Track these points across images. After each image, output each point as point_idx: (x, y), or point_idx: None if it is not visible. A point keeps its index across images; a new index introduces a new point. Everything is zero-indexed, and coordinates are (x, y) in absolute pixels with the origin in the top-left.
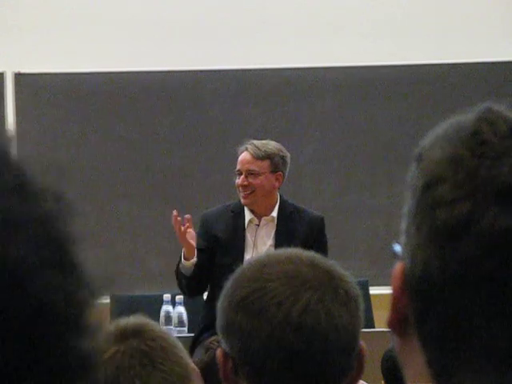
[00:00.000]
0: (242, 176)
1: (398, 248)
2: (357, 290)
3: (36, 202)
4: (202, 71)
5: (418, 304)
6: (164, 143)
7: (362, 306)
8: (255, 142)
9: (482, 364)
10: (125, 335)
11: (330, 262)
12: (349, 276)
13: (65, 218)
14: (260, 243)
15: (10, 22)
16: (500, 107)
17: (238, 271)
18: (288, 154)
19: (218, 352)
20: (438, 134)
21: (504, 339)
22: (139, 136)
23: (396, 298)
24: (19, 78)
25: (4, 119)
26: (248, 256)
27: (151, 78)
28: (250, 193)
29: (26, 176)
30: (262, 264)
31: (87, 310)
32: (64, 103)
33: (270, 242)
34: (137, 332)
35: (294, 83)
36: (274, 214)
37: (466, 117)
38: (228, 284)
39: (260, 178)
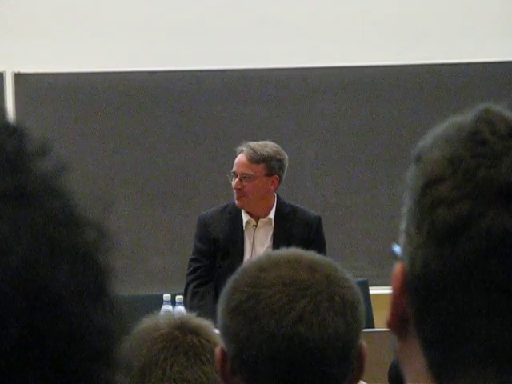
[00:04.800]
0: (237, 179)
1: (397, 249)
2: (356, 295)
3: (80, 232)
4: (202, 71)
5: (418, 304)
6: (164, 143)
7: (361, 310)
8: (253, 144)
9: (482, 364)
10: (184, 327)
11: (331, 265)
12: (348, 279)
13: (105, 251)
14: (258, 245)
15: (10, 22)
16: (499, 107)
17: (238, 272)
18: (286, 157)
19: (217, 351)
20: (437, 135)
21: (504, 339)
22: (139, 136)
23: (395, 299)
24: (19, 77)
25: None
26: (246, 257)
27: (151, 78)
28: (243, 195)
29: (73, 205)
30: (261, 267)
31: (117, 343)
32: (64, 103)
33: (268, 243)
34: (196, 330)
35: (294, 83)
36: (271, 215)
37: (465, 117)
38: (227, 285)
39: (254, 181)
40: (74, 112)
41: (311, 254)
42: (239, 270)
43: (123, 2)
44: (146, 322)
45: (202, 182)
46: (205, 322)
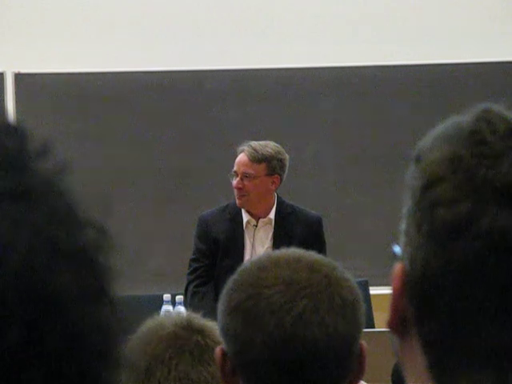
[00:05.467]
0: (238, 178)
1: (397, 249)
2: (356, 295)
3: (81, 232)
4: (202, 71)
5: (418, 304)
6: (164, 143)
7: (361, 310)
8: (254, 143)
9: (483, 364)
10: (190, 327)
11: (331, 265)
12: (348, 279)
13: (106, 251)
14: (258, 245)
15: (10, 21)
16: (499, 107)
17: (238, 272)
18: (287, 157)
19: (217, 351)
20: (436, 135)
21: (504, 339)
22: (139, 136)
23: (396, 299)
24: (19, 78)
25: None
26: (246, 257)
27: (151, 78)
28: (244, 195)
29: (74, 205)
30: (261, 267)
31: (118, 343)
32: (64, 103)
33: (268, 243)
34: (201, 329)
35: (294, 83)
36: (272, 215)
37: (464, 117)
38: (227, 285)
39: (255, 181)
40: (73, 112)
41: (311, 254)
42: (239, 269)
43: (123, 2)
44: (151, 322)
45: (202, 181)
46: (210, 323)
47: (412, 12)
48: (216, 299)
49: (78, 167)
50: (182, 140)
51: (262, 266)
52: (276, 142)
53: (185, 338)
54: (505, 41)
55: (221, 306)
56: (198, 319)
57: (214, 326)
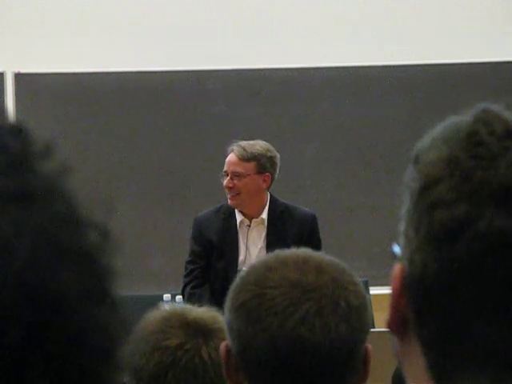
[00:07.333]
0: (228, 178)
1: (397, 249)
2: (362, 299)
3: (83, 234)
4: (202, 71)
5: (417, 305)
6: (164, 143)
7: (366, 314)
8: (242, 142)
9: (481, 365)
10: (195, 329)
11: (339, 267)
12: (356, 283)
13: (108, 253)
14: (251, 245)
15: (10, 21)
16: (497, 107)
17: (246, 270)
18: (277, 155)
19: (222, 346)
20: (435, 135)
21: (502, 340)
22: (139, 136)
23: (395, 299)
24: (19, 77)
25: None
26: (241, 258)
27: (151, 78)
28: (236, 194)
29: (76, 207)
30: (268, 267)
31: (119, 344)
32: (64, 103)
33: (261, 243)
34: (207, 333)
35: (294, 83)
36: (264, 215)
37: (463, 117)
38: (235, 282)
39: (245, 179)
40: (73, 112)
41: (320, 255)
42: (248, 267)
43: (123, 2)
44: (158, 320)
45: (202, 182)
46: (218, 326)
47: (412, 12)
48: (211, 300)
49: (77, 167)
50: (182, 140)
51: (269, 265)
52: (276, 141)
53: (190, 353)
54: (505, 41)
55: (227, 302)
56: (208, 324)
57: (222, 327)
